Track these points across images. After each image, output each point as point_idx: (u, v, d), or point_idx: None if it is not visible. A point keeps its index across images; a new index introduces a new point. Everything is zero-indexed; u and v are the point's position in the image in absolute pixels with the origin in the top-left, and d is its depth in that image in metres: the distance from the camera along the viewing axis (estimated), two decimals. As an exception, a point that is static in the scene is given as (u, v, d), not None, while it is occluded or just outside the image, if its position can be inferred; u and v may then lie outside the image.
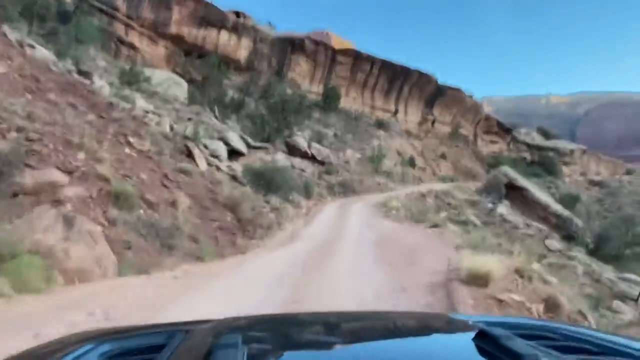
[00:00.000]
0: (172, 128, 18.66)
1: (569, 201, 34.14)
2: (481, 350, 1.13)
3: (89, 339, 1.33)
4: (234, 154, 21.81)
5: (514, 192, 28.63)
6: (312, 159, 28.90)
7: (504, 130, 69.41)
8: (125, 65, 31.98)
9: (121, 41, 40.93)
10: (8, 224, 6.31)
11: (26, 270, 5.51)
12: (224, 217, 11.62)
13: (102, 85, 20.32)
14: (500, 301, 6.08)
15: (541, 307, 6.32)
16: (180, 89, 33.16)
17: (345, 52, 53.96)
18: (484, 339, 1.15)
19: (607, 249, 22.90)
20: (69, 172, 8.09)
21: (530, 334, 1.36)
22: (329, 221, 16.84)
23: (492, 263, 6.41)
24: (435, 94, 60.94)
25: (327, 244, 11.87)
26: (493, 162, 55.95)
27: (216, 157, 18.80)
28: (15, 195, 7.14)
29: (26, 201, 7.09)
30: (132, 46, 41.59)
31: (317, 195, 23.61)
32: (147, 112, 19.65)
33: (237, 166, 19.64)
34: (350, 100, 54.21)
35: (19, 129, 8.40)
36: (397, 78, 57.17)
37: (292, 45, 51.29)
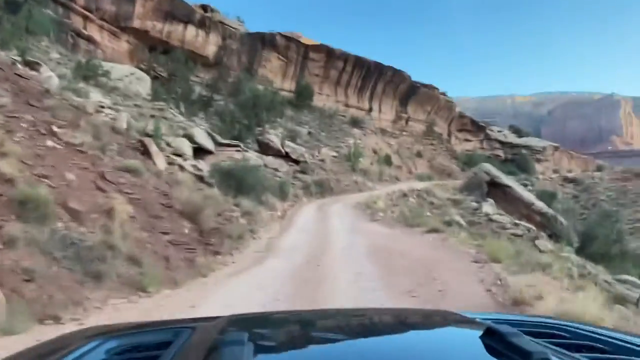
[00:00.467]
0: (129, 124, 16.70)
1: (546, 198, 33.59)
2: (489, 348, 1.08)
3: (96, 336, 1.36)
4: (200, 152, 19.91)
5: (495, 190, 27.82)
6: (286, 157, 27.26)
7: (478, 128, 69.48)
8: (82, 59, 29.61)
9: (79, 34, 38.23)
10: None
11: None
12: (179, 228, 9.41)
13: (50, 76, 18.11)
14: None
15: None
16: (143, 84, 30.92)
17: (318, 48, 52.59)
18: (492, 337, 1.10)
19: (594, 247, 22.16)
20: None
21: (539, 331, 1.36)
22: (309, 226, 15.01)
23: (542, 285, 4.93)
24: (409, 92, 60.43)
25: (312, 258, 9.91)
26: (467, 160, 55.71)
27: (180, 155, 16.93)
28: None
29: None
30: (91, 40, 38.94)
31: (293, 197, 22.01)
32: (102, 106, 17.66)
33: (204, 165, 17.79)
34: (324, 98, 52.85)
35: None
36: (370, 75, 56.25)
37: (262, 42, 49.59)
